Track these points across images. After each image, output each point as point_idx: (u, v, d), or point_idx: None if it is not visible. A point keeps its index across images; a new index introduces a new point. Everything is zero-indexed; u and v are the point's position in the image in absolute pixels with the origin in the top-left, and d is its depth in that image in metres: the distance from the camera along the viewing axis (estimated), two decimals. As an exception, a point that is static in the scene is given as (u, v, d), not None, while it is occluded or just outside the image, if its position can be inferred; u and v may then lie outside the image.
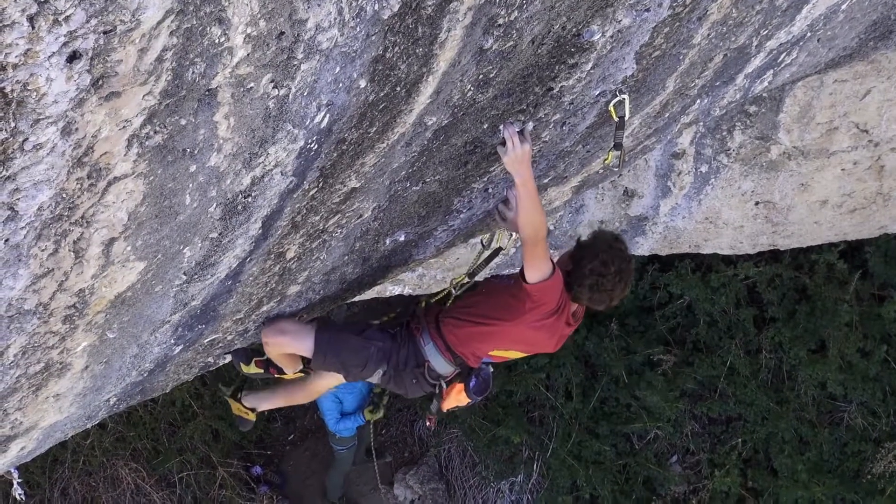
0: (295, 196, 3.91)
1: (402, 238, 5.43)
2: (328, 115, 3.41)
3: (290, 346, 5.73)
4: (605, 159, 5.23)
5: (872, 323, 11.39)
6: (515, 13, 3.59)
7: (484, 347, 5.63)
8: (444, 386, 5.76)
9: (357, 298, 6.77)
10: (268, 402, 6.98)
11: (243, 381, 6.90)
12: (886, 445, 11.59)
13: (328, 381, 6.31)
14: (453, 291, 5.88)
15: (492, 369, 5.95)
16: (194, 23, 2.52)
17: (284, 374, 6.27)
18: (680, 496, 12.66)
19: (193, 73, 2.68)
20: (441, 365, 5.64)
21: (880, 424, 11.73)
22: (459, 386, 5.77)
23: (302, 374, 6.38)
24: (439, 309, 5.72)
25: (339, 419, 11.26)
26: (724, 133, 8.04)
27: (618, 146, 5.07)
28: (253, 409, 6.87)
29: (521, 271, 5.17)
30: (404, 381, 5.72)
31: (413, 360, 5.63)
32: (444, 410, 5.96)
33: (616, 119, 4.88)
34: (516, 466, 13.33)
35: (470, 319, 5.52)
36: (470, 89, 3.98)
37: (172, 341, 4.73)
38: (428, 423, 6.44)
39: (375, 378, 5.71)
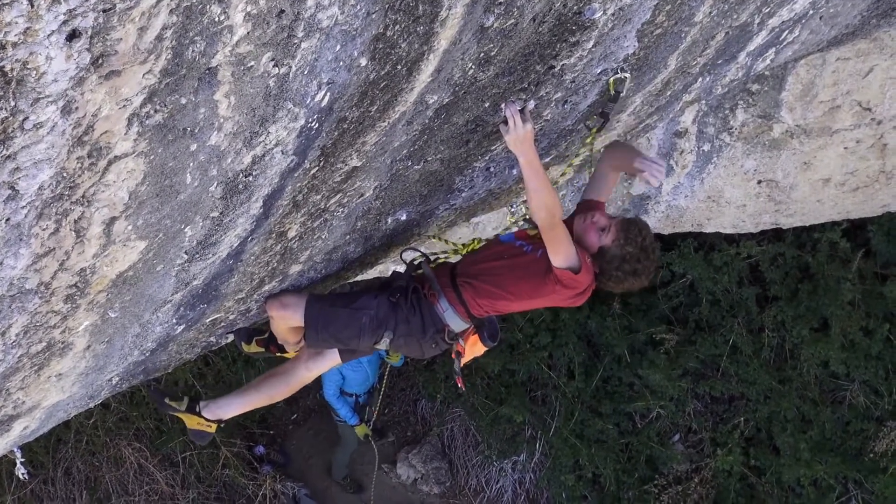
0: (296, 175, 3.91)
1: (403, 217, 5.43)
2: (329, 94, 3.41)
3: (293, 318, 5.67)
4: (588, 121, 5.20)
5: (875, 301, 11.40)
6: (516, -9, 3.58)
7: (504, 311, 5.59)
8: (461, 341, 5.72)
9: (359, 277, 6.77)
10: (234, 408, 6.18)
11: (195, 393, 6.38)
12: (889, 424, 11.63)
13: (312, 373, 6.15)
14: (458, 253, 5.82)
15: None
16: (194, 1, 2.52)
17: (286, 352, 6.26)
18: (682, 475, 12.70)
19: (193, 51, 2.68)
20: (459, 325, 5.54)
21: (882, 403, 11.76)
22: (474, 337, 5.69)
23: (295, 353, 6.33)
24: (451, 269, 5.58)
25: (339, 395, 11.27)
26: (727, 111, 8.03)
27: (603, 115, 5.06)
28: (217, 421, 6.15)
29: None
30: (422, 347, 5.62)
31: (433, 327, 5.51)
32: (463, 364, 5.86)
33: (612, 93, 4.88)
34: (519, 445, 13.38)
35: (493, 290, 5.39)
36: (471, 67, 3.97)
37: (174, 321, 4.73)
38: (460, 386, 6.27)
39: (383, 345, 5.62)
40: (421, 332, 5.51)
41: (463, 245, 5.90)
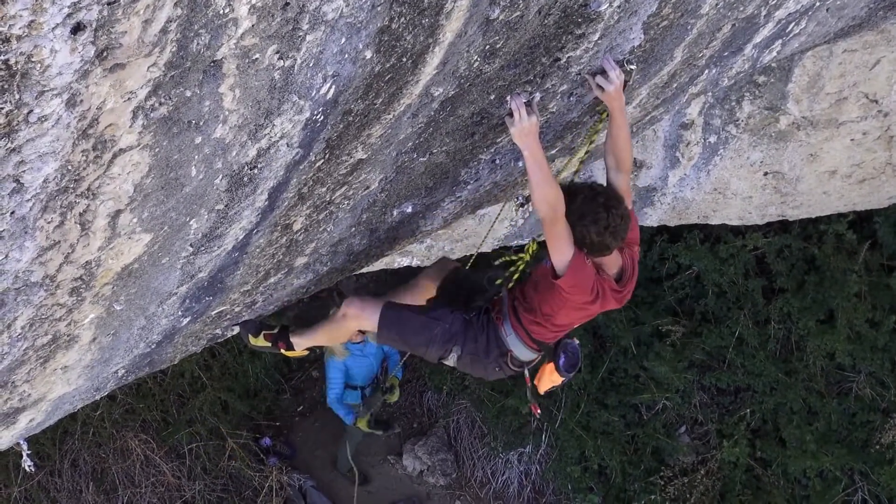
0: (301, 168, 3.91)
1: (409, 209, 5.43)
2: (334, 87, 3.40)
3: (368, 321, 5.81)
4: (598, 106, 5.15)
5: (881, 293, 11.38)
6: (522, -17, 3.57)
7: (558, 331, 5.54)
8: (528, 372, 5.73)
9: (365, 270, 6.77)
10: (308, 341, 6.39)
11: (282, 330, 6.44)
12: (895, 416, 11.61)
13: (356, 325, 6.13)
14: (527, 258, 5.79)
15: (577, 342, 5.75)
16: (198, -7, 2.52)
17: (292, 350, 6.28)
18: (688, 466, 12.69)
19: (198, 44, 2.67)
20: (524, 353, 5.60)
21: (889, 395, 11.73)
22: (550, 366, 5.68)
23: (307, 353, 6.39)
24: (513, 294, 5.60)
25: (341, 393, 11.19)
26: (733, 103, 8.02)
27: None
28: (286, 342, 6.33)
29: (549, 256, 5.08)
30: (486, 368, 5.69)
31: (496, 350, 5.58)
32: (542, 393, 5.85)
33: None
34: (525, 437, 13.37)
35: (530, 316, 5.44)
36: (476, 60, 3.96)
37: (180, 313, 4.73)
38: (535, 412, 6.20)
39: (450, 362, 5.68)
40: (485, 352, 5.57)
41: (526, 252, 5.86)
